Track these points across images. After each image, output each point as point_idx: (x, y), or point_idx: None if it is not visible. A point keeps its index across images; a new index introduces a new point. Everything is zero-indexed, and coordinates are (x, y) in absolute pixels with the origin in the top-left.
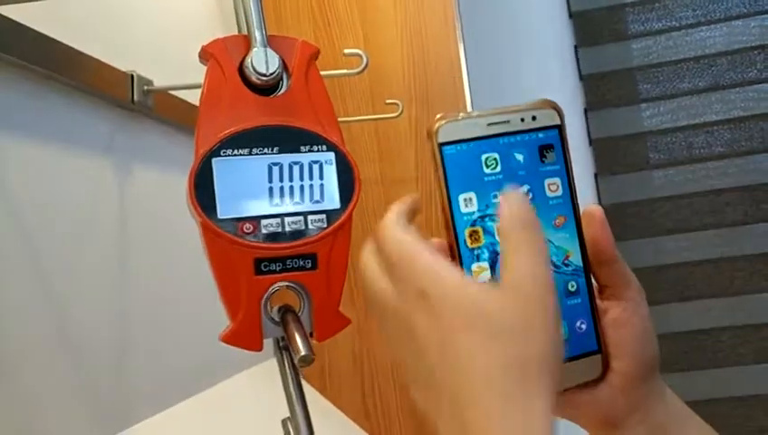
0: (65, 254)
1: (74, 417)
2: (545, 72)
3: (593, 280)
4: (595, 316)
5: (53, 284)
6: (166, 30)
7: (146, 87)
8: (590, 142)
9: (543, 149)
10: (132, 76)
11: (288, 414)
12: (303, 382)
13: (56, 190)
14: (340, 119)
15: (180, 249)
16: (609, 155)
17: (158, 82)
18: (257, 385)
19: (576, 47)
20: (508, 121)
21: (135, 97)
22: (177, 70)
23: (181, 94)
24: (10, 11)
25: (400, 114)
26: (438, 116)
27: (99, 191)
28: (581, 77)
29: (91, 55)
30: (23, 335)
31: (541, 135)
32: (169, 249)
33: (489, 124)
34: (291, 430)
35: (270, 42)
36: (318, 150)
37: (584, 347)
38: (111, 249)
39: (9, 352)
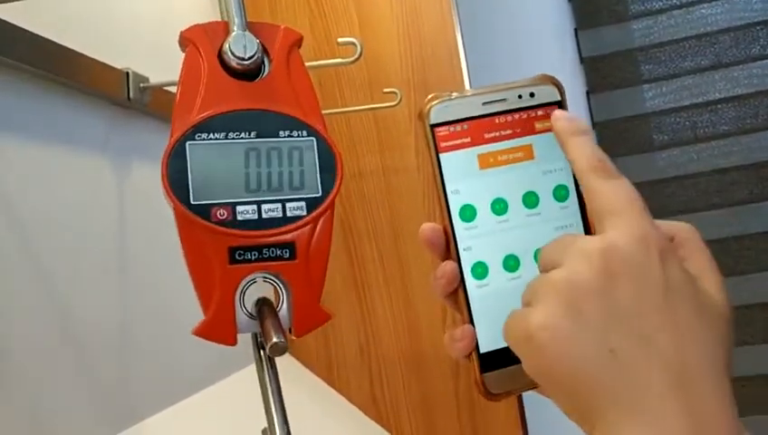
0: (65, 252)
1: (79, 415)
2: (545, 56)
3: None
4: None
5: (55, 282)
6: (160, 26)
7: (141, 84)
8: (593, 125)
9: None
10: (127, 73)
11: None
12: (312, 375)
13: (54, 189)
14: (338, 109)
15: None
16: (612, 137)
17: (154, 78)
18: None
19: (576, 30)
20: (505, 99)
21: (131, 94)
22: (173, 66)
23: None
24: (2, 12)
25: (399, 103)
26: (430, 96)
27: (97, 189)
28: (582, 60)
29: (85, 54)
30: (26, 335)
31: (540, 112)
32: (169, 245)
33: (484, 103)
34: None
35: (253, 28)
36: (298, 136)
37: None
38: (111, 246)
39: (13, 352)
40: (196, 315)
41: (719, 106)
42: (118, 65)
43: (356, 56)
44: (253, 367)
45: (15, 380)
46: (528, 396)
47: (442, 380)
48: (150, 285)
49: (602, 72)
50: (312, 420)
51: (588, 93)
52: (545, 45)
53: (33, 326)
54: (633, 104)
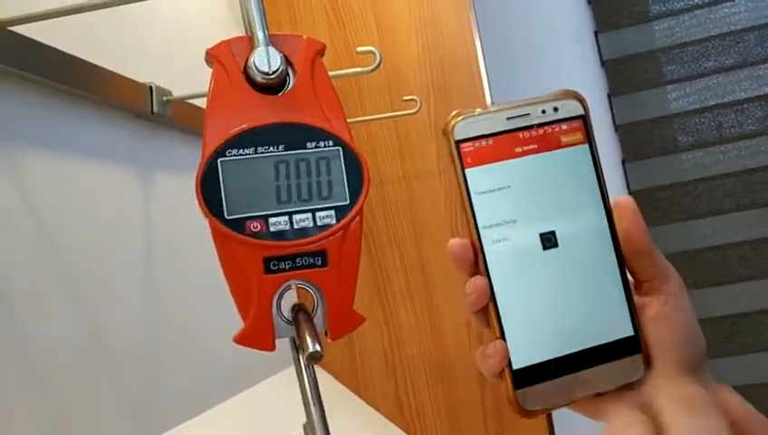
0: (94, 262)
1: (108, 423)
2: (565, 59)
3: (629, 276)
4: (633, 315)
5: (84, 293)
6: (182, 41)
7: (165, 98)
8: (616, 128)
9: None
10: (151, 88)
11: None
12: (337, 383)
13: (82, 202)
14: (358, 118)
15: (206, 255)
16: (635, 140)
17: (177, 92)
18: (294, 386)
19: (596, 32)
20: (528, 114)
21: (154, 108)
22: (195, 79)
23: (200, 103)
24: (31, 32)
25: (419, 110)
26: (454, 113)
27: (123, 201)
28: (603, 63)
29: (110, 70)
30: (57, 345)
31: (564, 127)
32: (195, 255)
33: (509, 118)
34: None
35: (275, 41)
36: (325, 146)
37: (623, 347)
38: (139, 258)
39: (45, 362)
40: (223, 324)
41: (745, 106)
42: (141, 80)
43: (375, 65)
44: (280, 374)
45: (47, 387)
46: None
47: (468, 386)
48: (176, 294)
49: (624, 75)
50: (338, 428)
51: (609, 96)
52: (565, 49)
53: (64, 337)
54: (656, 106)
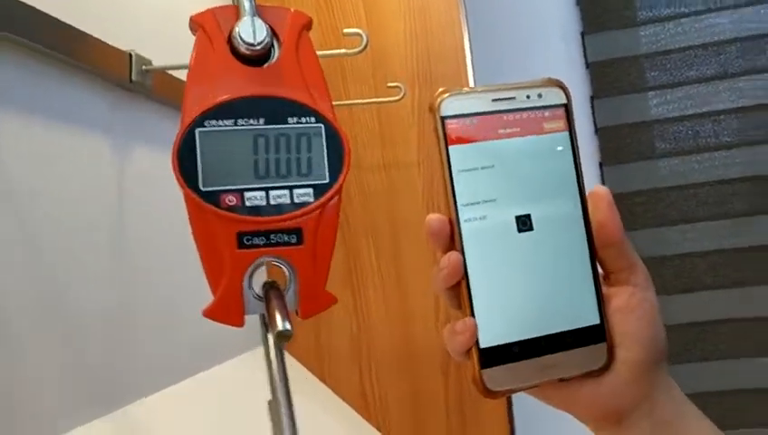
0: (63, 233)
1: (71, 396)
2: (551, 58)
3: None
4: (600, 304)
5: (51, 263)
6: (165, 9)
7: (144, 66)
8: (596, 131)
9: None
10: (131, 55)
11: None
12: (302, 367)
13: (54, 169)
14: (341, 102)
15: (179, 228)
16: (614, 144)
17: (158, 61)
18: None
19: (583, 34)
20: (514, 98)
21: (133, 76)
22: (177, 50)
23: (181, 75)
24: None
25: (402, 97)
26: (441, 90)
27: (97, 170)
28: (588, 64)
29: (89, 34)
30: (20, 315)
31: (547, 114)
32: (168, 228)
33: (494, 100)
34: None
35: (262, 12)
36: (306, 122)
37: (588, 335)
38: (110, 228)
39: (5, 333)
40: (196, 298)
41: (722, 117)
42: (123, 47)
43: (361, 47)
44: (251, 352)
45: (9, 360)
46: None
47: (432, 375)
48: (147, 266)
49: (608, 78)
50: (299, 412)
51: (592, 98)
52: (551, 47)
53: (27, 307)
54: (637, 111)
